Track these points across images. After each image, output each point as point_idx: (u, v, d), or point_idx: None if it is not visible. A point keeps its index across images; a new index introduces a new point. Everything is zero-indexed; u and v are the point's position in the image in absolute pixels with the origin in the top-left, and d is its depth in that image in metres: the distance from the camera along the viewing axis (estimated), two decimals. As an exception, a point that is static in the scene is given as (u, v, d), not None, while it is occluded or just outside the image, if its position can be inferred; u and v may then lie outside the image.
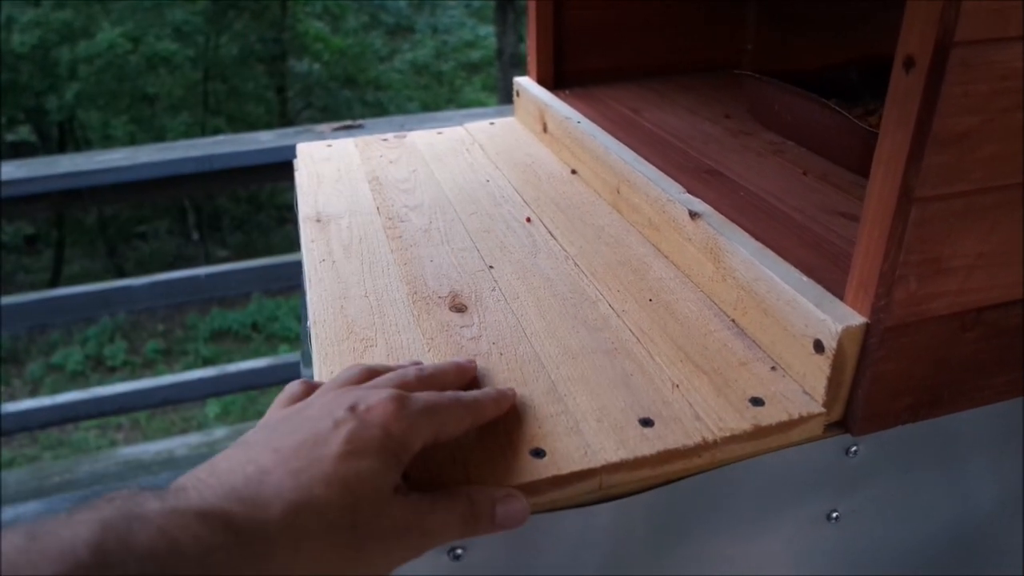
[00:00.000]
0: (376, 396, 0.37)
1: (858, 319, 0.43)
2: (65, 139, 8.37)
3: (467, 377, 0.46)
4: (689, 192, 0.60)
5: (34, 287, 7.13)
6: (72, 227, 7.89)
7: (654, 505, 0.43)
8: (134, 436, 5.15)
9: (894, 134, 0.38)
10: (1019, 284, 0.44)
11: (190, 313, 6.46)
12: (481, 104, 9.10)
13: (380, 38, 9.81)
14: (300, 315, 0.66)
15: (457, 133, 0.91)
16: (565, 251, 0.63)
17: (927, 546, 0.54)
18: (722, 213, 0.57)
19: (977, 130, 0.37)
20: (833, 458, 0.47)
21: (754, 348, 0.50)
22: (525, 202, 0.72)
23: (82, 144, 8.31)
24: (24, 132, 8.43)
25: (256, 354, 6.00)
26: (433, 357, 0.50)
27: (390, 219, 0.69)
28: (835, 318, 0.43)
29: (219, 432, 2.47)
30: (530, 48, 0.92)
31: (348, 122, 1.74)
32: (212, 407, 5.34)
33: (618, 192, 0.68)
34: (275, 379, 2.15)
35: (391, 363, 0.47)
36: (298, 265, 0.66)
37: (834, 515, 0.49)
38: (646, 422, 0.43)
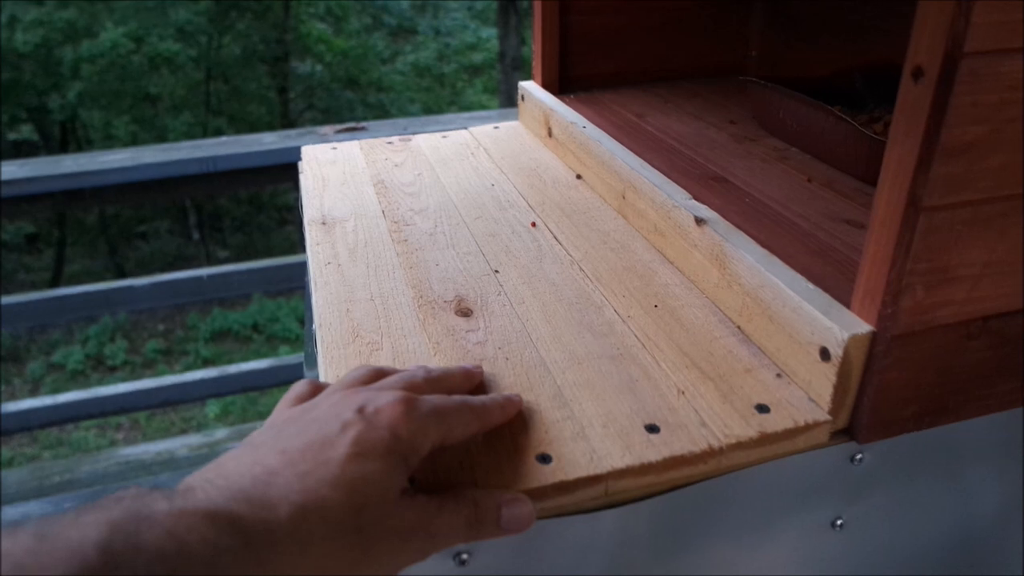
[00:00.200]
0: (384, 398, 0.37)
1: (864, 327, 0.43)
2: (67, 138, 8.38)
3: (474, 382, 0.46)
4: (695, 198, 0.60)
5: (35, 286, 7.14)
6: (73, 226, 7.90)
7: (659, 511, 0.43)
8: (134, 436, 5.15)
9: (902, 143, 0.38)
10: (1025, 293, 0.44)
11: (191, 313, 6.47)
12: (482, 106, 9.12)
13: (382, 40, 9.82)
14: (302, 317, 0.66)
15: (462, 137, 0.91)
16: (570, 256, 0.63)
17: (931, 554, 0.54)
18: (728, 219, 0.57)
19: (985, 140, 0.37)
20: (838, 465, 0.47)
21: (760, 355, 0.50)
22: (530, 207, 0.72)
23: (84, 144, 8.32)
24: (26, 131, 8.44)
25: (256, 355, 6.01)
26: (439, 361, 0.50)
27: (395, 223, 0.69)
28: (841, 326, 0.43)
29: (219, 433, 2.47)
30: (535, 52, 0.92)
31: (351, 124, 1.74)
32: (212, 408, 5.35)
33: (623, 198, 0.69)
34: (275, 380, 2.16)
35: (397, 367, 0.47)
36: (299, 266, 0.66)
37: (839, 522, 0.49)
38: (652, 428, 0.43)
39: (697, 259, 0.58)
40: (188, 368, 5.81)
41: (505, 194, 0.75)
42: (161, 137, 7.98)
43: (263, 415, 5.16)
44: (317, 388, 0.42)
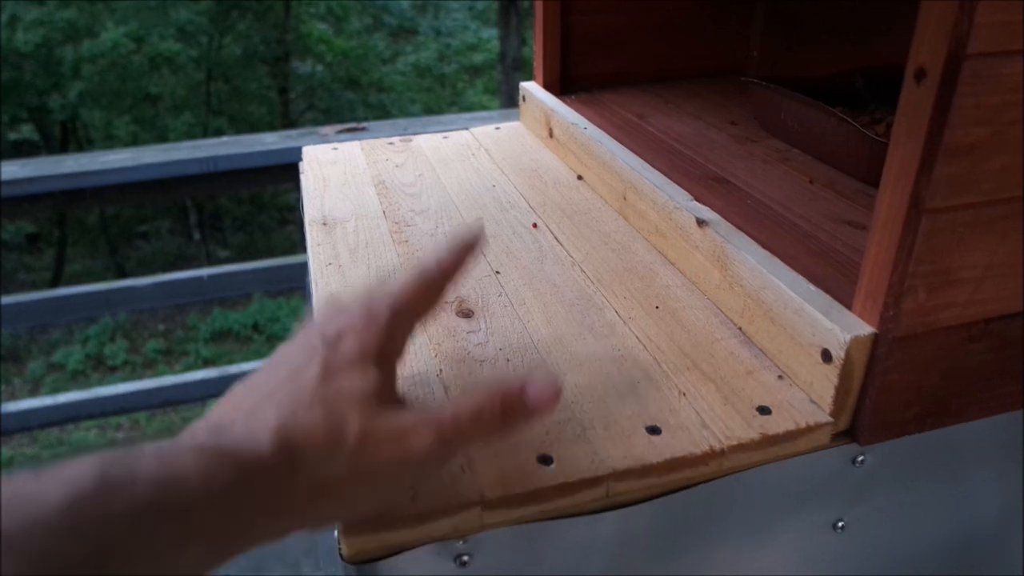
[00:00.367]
0: (344, 317, 0.37)
1: (866, 329, 0.43)
2: (67, 138, 8.38)
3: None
4: (696, 199, 0.60)
5: (35, 286, 7.14)
6: (74, 226, 7.90)
7: (660, 513, 0.43)
8: (134, 436, 5.15)
9: (905, 145, 0.38)
10: (1027, 295, 0.44)
11: (191, 313, 6.47)
12: (483, 107, 9.12)
13: (383, 40, 9.83)
14: (303, 317, 0.66)
15: (463, 137, 0.91)
16: (571, 257, 0.63)
17: (932, 556, 0.54)
18: (729, 221, 0.57)
19: (987, 142, 0.37)
20: (839, 467, 0.47)
21: (761, 357, 0.50)
22: (531, 207, 0.72)
23: (84, 143, 8.32)
24: (27, 131, 8.45)
25: (257, 355, 6.00)
26: (439, 362, 0.50)
27: (396, 223, 0.69)
28: (843, 327, 0.43)
29: (219, 433, 2.46)
30: (536, 53, 0.92)
31: (352, 124, 1.74)
32: (212, 408, 5.34)
33: (625, 199, 0.69)
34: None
35: (398, 368, 0.47)
36: (300, 266, 0.66)
37: (840, 524, 0.49)
38: (653, 430, 0.43)
39: (698, 260, 0.57)
40: (188, 368, 5.82)
41: (506, 195, 0.75)
42: (162, 137, 7.99)
43: (263, 415, 5.14)
44: None
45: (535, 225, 0.68)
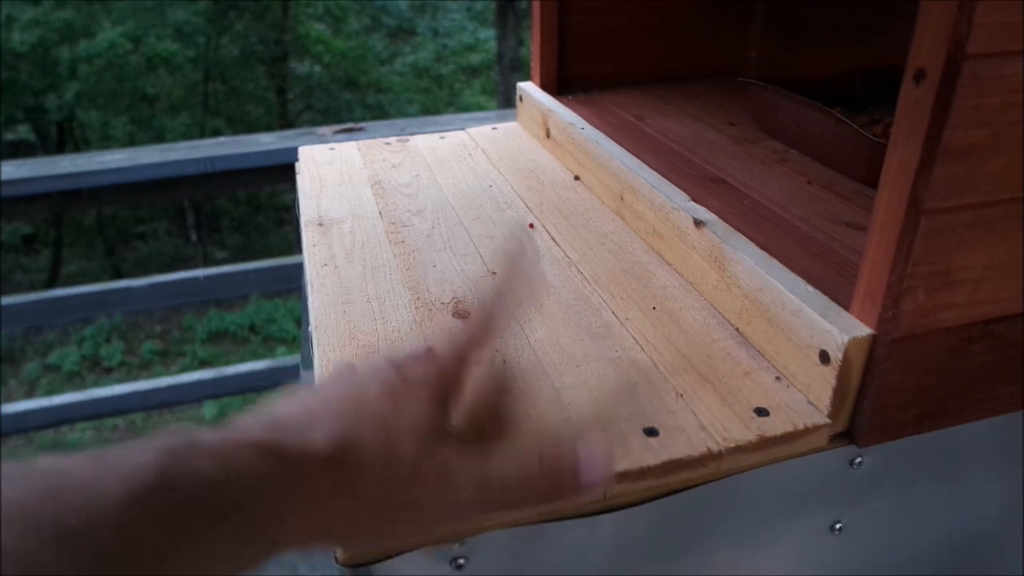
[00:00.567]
0: (414, 351, 0.39)
1: (864, 330, 0.43)
2: (64, 139, 8.36)
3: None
4: (694, 200, 0.60)
5: (32, 287, 7.12)
6: (71, 227, 7.88)
7: (658, 515, 0.43)
8: (130, 438, 5.13)
9: (904, 146, 0.38)
10: (1026, 297, 0.43)
11: (187, 314, 6.45)
12: (480, 107, 9.11)
13: (381, 41, 9.82)
14: (299, 317, 0.66)
15: (460, 138, 0.91)
16: (568, 258, 0.63)
17: (930, 557, 0.54)
18: (727, 222, 0.56)
19: (987, 143, 0.37)
20: (837, 469, 0.47)
21: (759, 358, 0.50)
22: (528, 208, 0.72)
23: (81, 144, 8.31)
24: (23, 131, 8.43)
25: (253, 356, 5.99)
26: (436, 364, 0.49)
27: (392, 224, 0.69)
28: (841, 329, 0.43)
29: (216, 434, 2.46)
30: (534, 53, 0.92)
31: (349, 125, 1.74)
32: (209, 409, 5.33)
33: (622, 199, 0.68)
34: (273, 381, 2.15)
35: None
36: (297, 267, 0.66)
37: (838, 526, 0.49)
38: (651, 432, 0.43)
39: (696, 261, 0.57)
40: (185, 369, 5.80)
41: (503, 195, 0.75)
42: (159, 138, 7.97)
43: (260, 416, 5.13)
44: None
45: (532, 225, 0.68)
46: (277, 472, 0.31)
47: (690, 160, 0.72)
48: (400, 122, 1.78)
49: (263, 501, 0.30)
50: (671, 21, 0.95)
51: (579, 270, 0.61)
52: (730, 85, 0.95)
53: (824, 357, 0.44)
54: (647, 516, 0.43)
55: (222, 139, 1.80)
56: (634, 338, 0.52)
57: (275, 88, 9.10)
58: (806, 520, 0.48)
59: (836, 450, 0.46)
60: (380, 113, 8.89)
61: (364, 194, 0.75)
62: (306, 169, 0.81)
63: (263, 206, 8.60)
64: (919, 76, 0.36)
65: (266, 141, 1.75)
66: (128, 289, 1.95)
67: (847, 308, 0.45)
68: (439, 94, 9.80)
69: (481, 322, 0.41)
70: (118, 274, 7.44)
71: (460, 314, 0.55)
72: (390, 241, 0.66)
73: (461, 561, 0.40)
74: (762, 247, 0.53)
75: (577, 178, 0.78)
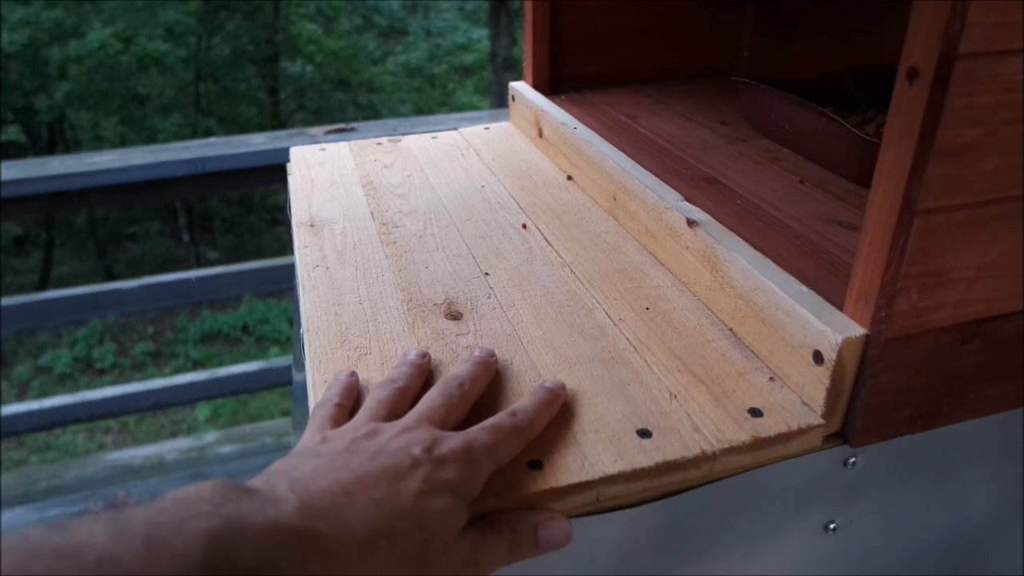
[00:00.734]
0: (448, 444, 0.39)
1: (858, 330, 0.42)
2: (55, 139, 8.32)
3: (493, 372, 0.47)
4: (687, 200, 0.60)
5: (23, 288, 7.09)
6: (62, 228, 7.84)
7: (651, 518, 0.43)
8: (123, 440, 5.11)
9: (897, 145, 0.38)
10: (1019, 296, 0.43)
11: (180, 315, 6.43)
12: (473, 107, 9.11)
13: (373, 40, 9.81)
14: (292, 318, 0.65)
15: (452, 138, 0.91)
16: (561, 258, 0.62)
17: (925, 557, 0.54)
18: (720, 221, 0.56)
19: (980, 142, 0.37)
20: (831, 470, 0.46)
21: (752, 358, 0.49)
22: (521, 208, 0.71)
23: (72, 145, 8.27)
24: (13, 132, 8.38)
25: (246, 356, 5.98)
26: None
27: (384, 224, 0.68)
28: (835, 329, 0.43)
29: (209, 436, 2.45)
30: (526, 53, 0.92)
31: (341, 125, 1.73)
32: (202, 410, 5.31)
33: (615, 199, 0.68)
34: (266, 382, 2.14)
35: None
36: (290, 268, 0.65)
37: (832, 526, 0.49)
38: (644, 433, 0.43)
39: (689, 261, 0.57)
40: (177, 371, 5.78)
41: (495, 195, 0.74)
42: (150, 138, 7.94)
43: (254, 418, 5.13)
44: (342, 409, 0.44)
45: (524, 226, 0.68)
46: (313, 561, 0.32)
47: (683, 160, 0.72)
48: (392, 122, 1.78)
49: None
50: (663, 21, 0.95)
51: (572, 270, 0.60)
52: (722, 84, 0.95)
53: (818, 357, 0.44)
54: (640, 519, 0.42)
55: (213, 140, 1.79)
56: (627, 338, 0.52)
57: (267, 88, 9.07)
58: (800, 521, 0.48)
59: (830, 450, 0.45)
60: (372, 113, 8.88)
61: (356, 195, 0.75)
62: (297, 170, 0.81)
63: (255, 207, 8.58)
64: (912, 75, 0.36)
65: (257, 142, 1.75)
66: (120, 291, 1.94)
67: (840, 308, 0.45)
68: (432, 94, 9.79)
69: (512, 431, 0.41)
70: (110, 275, 7.41)
71: (452, 315, 0.54)
72: (382, 242, 0.65)
73: (454, 565, 0.40)
74: (755, 247, 0.53)
75: (570, 178, 0.78)
